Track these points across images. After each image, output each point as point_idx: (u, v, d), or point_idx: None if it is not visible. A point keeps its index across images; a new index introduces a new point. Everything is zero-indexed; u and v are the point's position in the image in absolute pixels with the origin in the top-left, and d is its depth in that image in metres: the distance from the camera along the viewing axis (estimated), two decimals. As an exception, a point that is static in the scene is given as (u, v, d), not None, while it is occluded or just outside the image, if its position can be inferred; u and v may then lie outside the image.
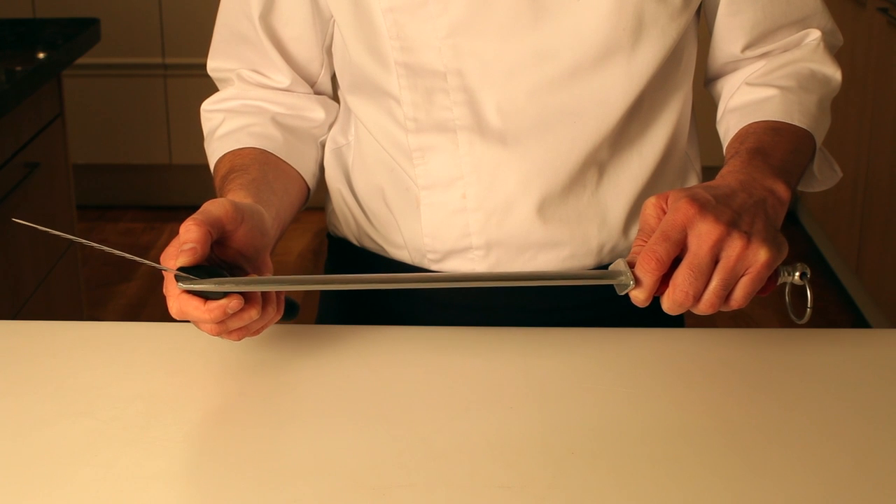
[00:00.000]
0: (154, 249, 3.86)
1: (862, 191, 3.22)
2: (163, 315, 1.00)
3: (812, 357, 1.09)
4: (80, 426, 0.97)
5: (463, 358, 1.08)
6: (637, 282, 0.99)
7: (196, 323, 0.98)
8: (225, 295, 0.96)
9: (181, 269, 0.96)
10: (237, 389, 1.03)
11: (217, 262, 1.02)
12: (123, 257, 1.00)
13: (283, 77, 1.26)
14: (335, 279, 1.04)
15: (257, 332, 1.02)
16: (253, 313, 0.98)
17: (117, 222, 4.07)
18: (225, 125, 1.24)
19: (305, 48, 1.25)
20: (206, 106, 1.28)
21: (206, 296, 0.96)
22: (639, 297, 1.00)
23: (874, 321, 3.20)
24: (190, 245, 0.96)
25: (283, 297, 1.03)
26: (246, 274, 1.03)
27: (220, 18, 1.28)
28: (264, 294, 1.00)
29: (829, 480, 0.90)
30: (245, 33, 1.24)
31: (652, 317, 1.11)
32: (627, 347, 1.10)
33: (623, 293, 1.01)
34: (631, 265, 1.00)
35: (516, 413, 0.99)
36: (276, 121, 1.25)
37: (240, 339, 1.01)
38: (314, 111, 1.27)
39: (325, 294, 1.35)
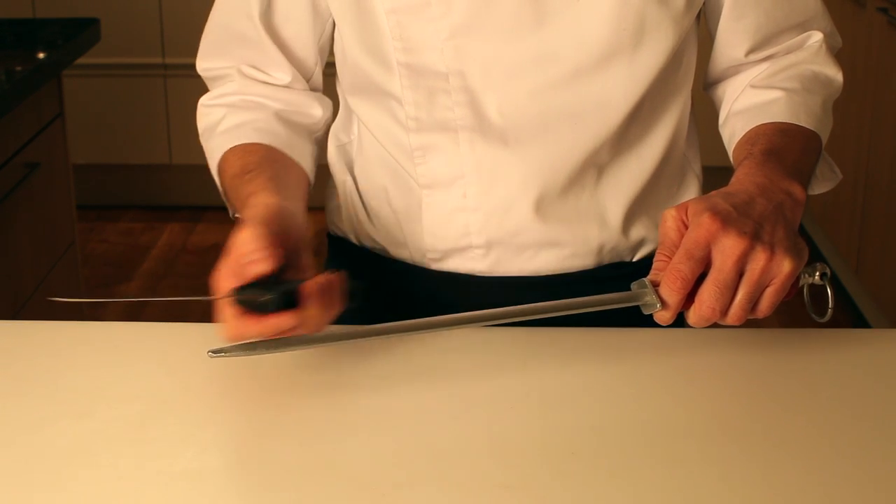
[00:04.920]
0: (154, 249, 3.86)
1: (862, 191, 3.22)
2: (163, 315, 1.00)
3: (812, 357, 1.09)
4: (80, 426, 0.97)
5: (463, 358, 1.08)
6: (662, 302, 0.99)
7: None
8: (277, 308, 0.94)
9: (239, 289, 0.94)
10: (237, 389, 1.03)
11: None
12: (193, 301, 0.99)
13: (283, 74, 1.26)
14: (364, 331, 1.00)
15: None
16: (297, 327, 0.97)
17: (117, 222, 4.07)
18: (227, 120, 1.24)
19: (303, 45, 1.25)
20: (205, 101, 1.28)
21: (261, 310, 0.95)
22: (664, 316, 1.00)
23: (874, 321, 3.20)
24: (261, 254, 0.94)
25: (335, 297, 0.99)
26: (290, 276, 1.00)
27: (213, 19, 1.27)
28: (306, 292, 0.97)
29: (829, 480, 0.90)
30: (244, 32, 1.24)
31: (652, 317, 1.11)
32: (627, 347, 1.10)
33: (648, 313, 1.00)
34: (654, 283, 1.00)
35: (516, 413, 0.99)
36: (279, 117, 1.24)
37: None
38: (313, 108, 1.27)
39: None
